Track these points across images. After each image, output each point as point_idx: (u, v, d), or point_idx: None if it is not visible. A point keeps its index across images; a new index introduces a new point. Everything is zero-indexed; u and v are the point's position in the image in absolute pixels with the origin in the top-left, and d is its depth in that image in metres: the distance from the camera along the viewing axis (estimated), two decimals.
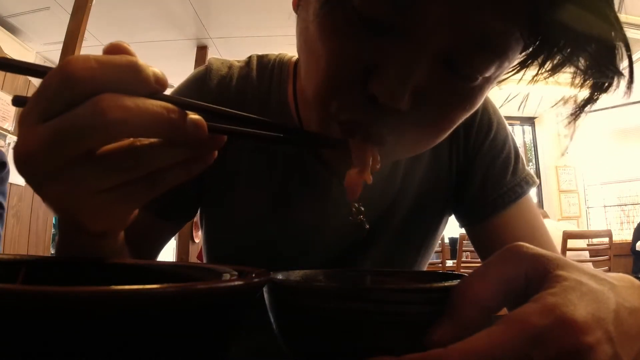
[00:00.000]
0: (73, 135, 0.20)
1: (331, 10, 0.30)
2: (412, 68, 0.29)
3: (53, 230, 2.83)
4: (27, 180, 0.23)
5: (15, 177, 2.06)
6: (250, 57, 0.53)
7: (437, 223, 0.57)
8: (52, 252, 2.96)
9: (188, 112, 0.23)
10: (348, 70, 0.31)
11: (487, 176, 0.53)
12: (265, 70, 0.51)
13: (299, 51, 0.37)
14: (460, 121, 0.35)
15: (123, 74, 0.21)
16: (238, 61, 0.52)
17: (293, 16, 0.37)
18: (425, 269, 0.61)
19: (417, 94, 0.30)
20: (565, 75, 0.31)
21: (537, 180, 0.55)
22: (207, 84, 0.49)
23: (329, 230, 0.52)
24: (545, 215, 3.16)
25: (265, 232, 0.52)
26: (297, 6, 0.36)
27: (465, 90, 0.32)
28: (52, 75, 0.20)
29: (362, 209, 0.45)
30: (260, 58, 0.52)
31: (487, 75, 0.31)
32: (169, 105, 0.22)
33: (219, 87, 0.49)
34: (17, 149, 0.21)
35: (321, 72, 0.32)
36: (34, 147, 0.20)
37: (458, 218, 0.58)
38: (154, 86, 0.22)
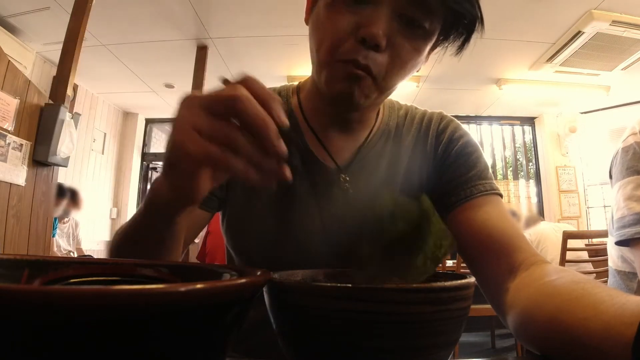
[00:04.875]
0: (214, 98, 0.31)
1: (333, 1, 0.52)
2: (381, 19, 0.49)
3: (53, 230, 2.83)
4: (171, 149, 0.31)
5: (15, 177, 2.07)
6: None
7: None
8: (52, 252, 2.96)
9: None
10: (346, 29, 0.50)
11: (462, 175, 0.61)
12: (273, 92, 0.63)
13: (311, 36, 0.55)
14: (416, 60, 0.53)
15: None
16: None
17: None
18: None
19: (389, 39, 0.49)
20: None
21: (502, 194, 0.63)
22: None
23: (331, 226, 0.59)
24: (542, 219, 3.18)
25: (269, 230, 0.59)
26: (308, 19, 0.56)
27: (415, 36, 0.51)
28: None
29: (348, 178, 0.61)
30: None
31: (426, 27, 0.50)
32: (269, 119, 0.31)
33: None
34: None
35: (329, 35, 0.51)
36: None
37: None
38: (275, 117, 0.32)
